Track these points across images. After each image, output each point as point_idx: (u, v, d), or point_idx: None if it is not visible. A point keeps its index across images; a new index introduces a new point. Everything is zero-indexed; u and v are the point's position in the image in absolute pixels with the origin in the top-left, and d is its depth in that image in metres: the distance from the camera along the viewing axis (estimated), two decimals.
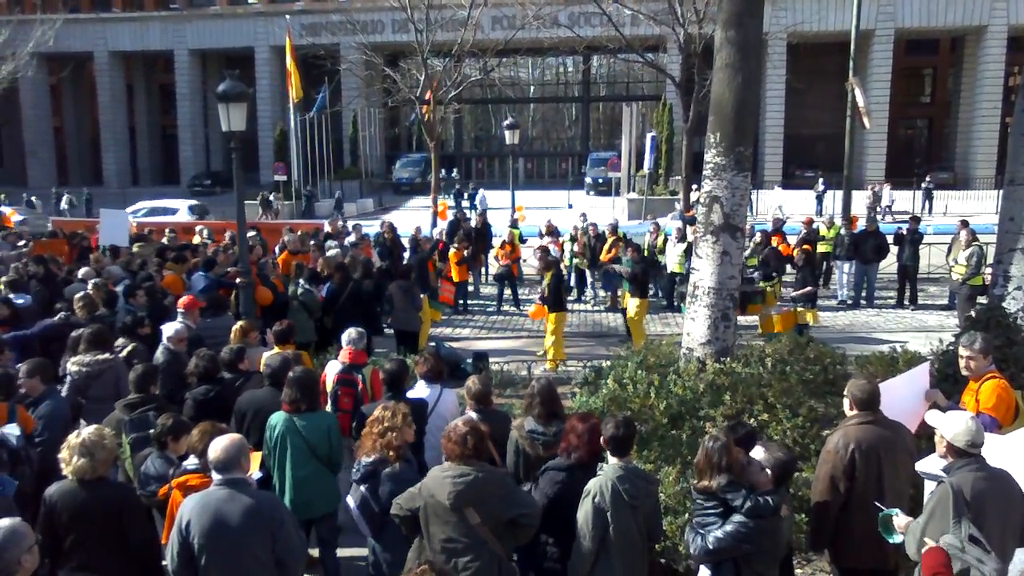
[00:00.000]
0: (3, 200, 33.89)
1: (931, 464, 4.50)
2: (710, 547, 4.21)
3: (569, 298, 15.03)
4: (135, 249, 13.85)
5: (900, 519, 4.18)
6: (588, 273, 17.18)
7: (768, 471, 4.33)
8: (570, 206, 35.23)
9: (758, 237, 15.06)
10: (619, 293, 13.92)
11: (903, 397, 5.31)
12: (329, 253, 12.81)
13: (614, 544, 4.27)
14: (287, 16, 39.41)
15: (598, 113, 57.98)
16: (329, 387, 6.91)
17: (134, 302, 9.41)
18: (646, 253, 15.80)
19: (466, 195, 36.80)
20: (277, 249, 14.44)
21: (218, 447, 4.14)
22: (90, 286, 9.54)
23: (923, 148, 52.81)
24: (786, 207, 28.34)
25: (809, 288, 12.69)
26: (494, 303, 16.50)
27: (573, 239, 17.19)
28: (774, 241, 15.09)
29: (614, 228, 16.56)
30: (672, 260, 15.36)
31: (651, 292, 14.25)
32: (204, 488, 4.25)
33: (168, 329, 7.58)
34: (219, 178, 46.98)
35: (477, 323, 15.18)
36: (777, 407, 6.74)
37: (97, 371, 6.84)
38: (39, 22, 34.99)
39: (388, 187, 45.73)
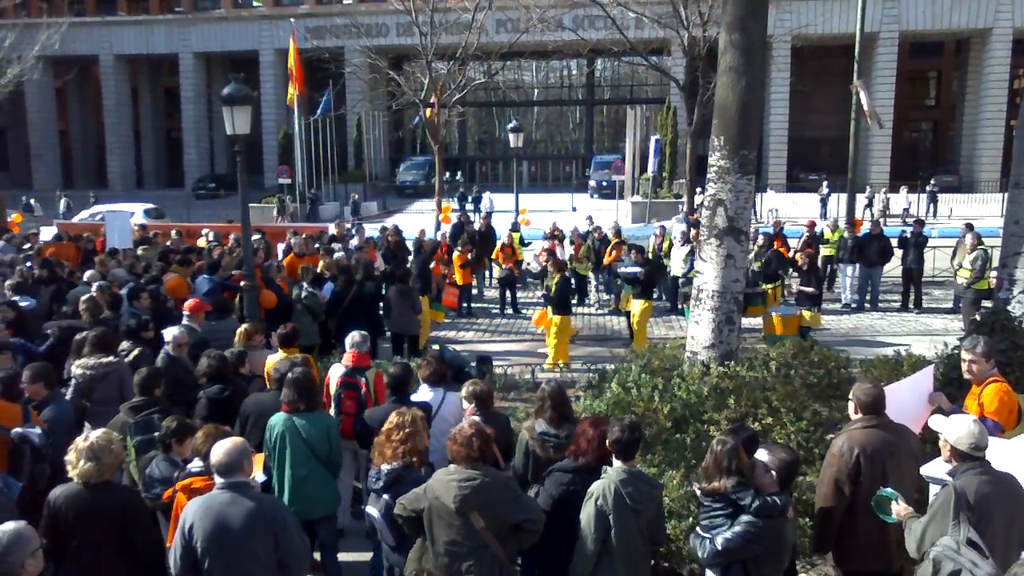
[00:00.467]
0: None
1: (936, 468, 4.49)
2: (719, 548, 4.20)
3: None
4: (139, 252, 13.88)
5: (899, 505, 4.18)
6: (593, 276, 17.17)
7: (773, 472, 4.32)
8: (574, 209, 35.23)
9: (761, 239, 15.04)
10: (622, 296, 13.91)
11: (906, 400, 5.29)
12: (334, 256, 12.83)
13: (616, 547, 4.27)
14: (292, 19, 39.53)
15: (602, 116, 58.01)
16: (333, 390, 6.91)
17: (138, 305, 9.42)
18: (651, 256, 15.80)
19: (470, 198, 36.83)
20: (282, 252, 14.46)
21: (220, 451, 4.15)
22: (94, 289, 9.55)
23: (927, 151, 52.78)
24: (784, 211, 28.35)
25: (812, 289, 12.66)
26: (498, 306, 16.50)
27: (571, 242, 17.15)
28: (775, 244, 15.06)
29: (618, 231, 16.54)
30: (675, 263, 15.35)
31: (655, 295, 14.24)
32: (209, 491, 4.25)
33: (168, 334, 7.58)
34: (223, 181, 47.13)
35: (481, 326, 15.18)
36: (781, 411, 6.74)
37: (101, 374, 6.84)
38: (45, 25, 35.09)
39: (392, 190, 45.81)
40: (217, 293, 10.36)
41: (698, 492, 4.47)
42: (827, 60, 42.46)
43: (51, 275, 11.54)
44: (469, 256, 15.74)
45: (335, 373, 7.01)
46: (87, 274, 11.17)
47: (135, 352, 7.48)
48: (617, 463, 4.42)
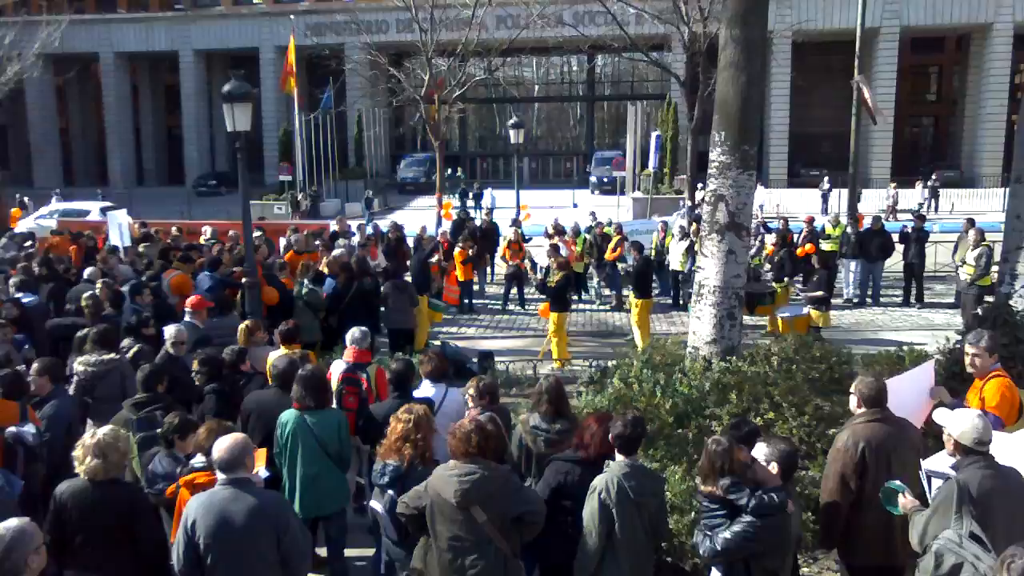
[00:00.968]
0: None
1: (938, 463, 4.49)
2: (718, 548, 4.20)
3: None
4: (140, 249, 13.88)
5: (906, 498, 4.19)
6: (596, 272, 17.15)
7: (775, 464, 4.32)
8: (575, 205, 35.22)
9: (773, 237, 14.97)
10: (624, 292, 13.92)
11: (907, 395, 5.29)
12: (335, 252, 12.82)
13: (619, 541, 4.27)
14: (292, 16, 39.47)
15: (603, 112, 57.87)
16: (334, 386, 6.92)
17: (140, 301, 9.42)
18: (654, 252, 15.78)
19: (471, 194, 36.80)
20: (282, 249, 14.45)
21: (222, 447, 4.15)
22: (97, 286, 9.56)
23: (929, 146, 52.66)
24: (770, 206, 28.21)
25: (821, 292, 12.52)
26: (499, 302, 16.50)
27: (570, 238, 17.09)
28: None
29: (619, 227, 16.53)
30: (674, 258, 15.33)
31: (655, 291, 14.22)
32: (212, 486, 4.26)
33: (168, 331, 7.57)
34: (224, 178, 47.07)
35: (483, 322, 15.18)
36: (783, 406, 6.74)
37: (103, 371, 6.85)
38: (45, 23, 34.99)
39: (393, 187, 45.72)
40: (219, 290, 10.37)
41: (699, 489, 4.48)
42: (828, 55, 42.30)
43: (50, 272, 11.55)
44: (470, 252, 15.73)
45: (336, 369, 7.02)
46: (87, 272, 11.16)
47: (135, 348, 7.49)
48: (620, 457, 4.43)
